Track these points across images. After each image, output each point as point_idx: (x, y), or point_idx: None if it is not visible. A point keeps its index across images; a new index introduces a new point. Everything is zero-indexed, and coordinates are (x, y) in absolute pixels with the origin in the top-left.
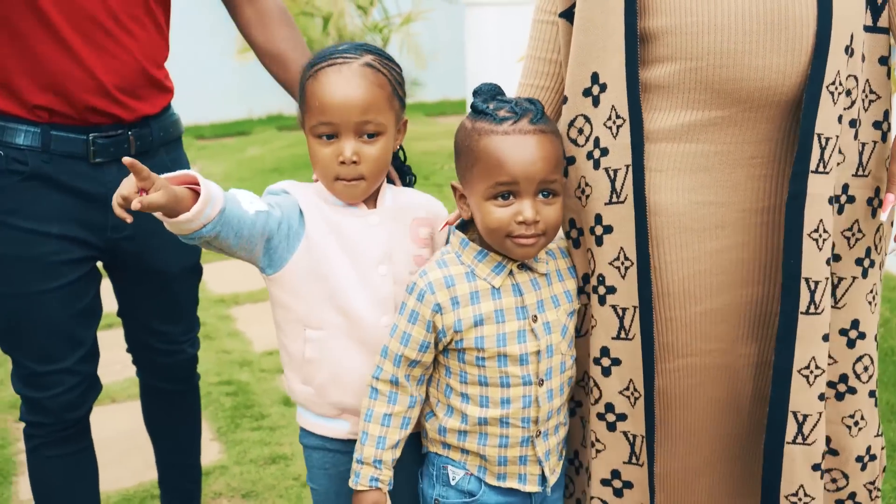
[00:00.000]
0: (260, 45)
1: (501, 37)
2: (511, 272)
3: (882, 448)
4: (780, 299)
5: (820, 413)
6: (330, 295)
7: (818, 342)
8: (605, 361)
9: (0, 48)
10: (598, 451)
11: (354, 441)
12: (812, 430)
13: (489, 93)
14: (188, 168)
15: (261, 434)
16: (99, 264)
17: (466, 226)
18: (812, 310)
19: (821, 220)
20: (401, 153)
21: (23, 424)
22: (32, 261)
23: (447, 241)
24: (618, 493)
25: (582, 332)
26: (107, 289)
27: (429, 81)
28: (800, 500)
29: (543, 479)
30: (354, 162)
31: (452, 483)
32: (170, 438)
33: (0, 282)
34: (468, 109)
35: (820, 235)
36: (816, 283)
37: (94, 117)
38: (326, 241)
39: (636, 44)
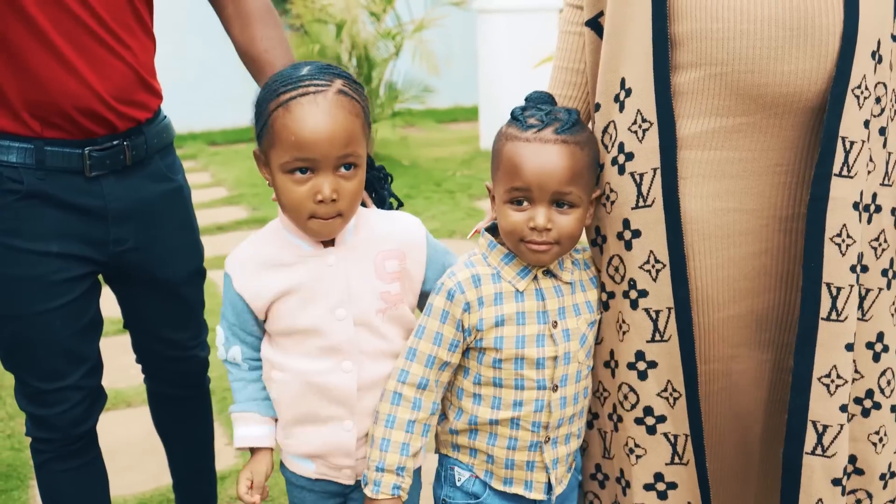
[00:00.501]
0: (239, 45)
1: (513, 43)
2: (536, 277)
3: None
4: (801, 304)
5: (841, 425)
6: (286, 346)
7: (840, 351)
8: (641, 365)
9: None
10: (638, 457)
11: (320, 480)
12: (832, 442)
13: (536, 101)
14: (182, 171)
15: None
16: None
17: (497, 229)
18: (833, 316)
19: (844, 225)
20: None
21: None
22: (33, 281)
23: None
24: (662, 495)
25: (598, 340)
26: (110, 296)
27: (441, 88)
28: None
29: (549, 488)
30: (333, 200)
31: (458, 484)
32: (183, 443)
33: (3, 301)
34: (480, 116)
35: (843, 241)
36: (839, 289)
37: (90, 126)
38: (279, 299)
39: (666, 48)
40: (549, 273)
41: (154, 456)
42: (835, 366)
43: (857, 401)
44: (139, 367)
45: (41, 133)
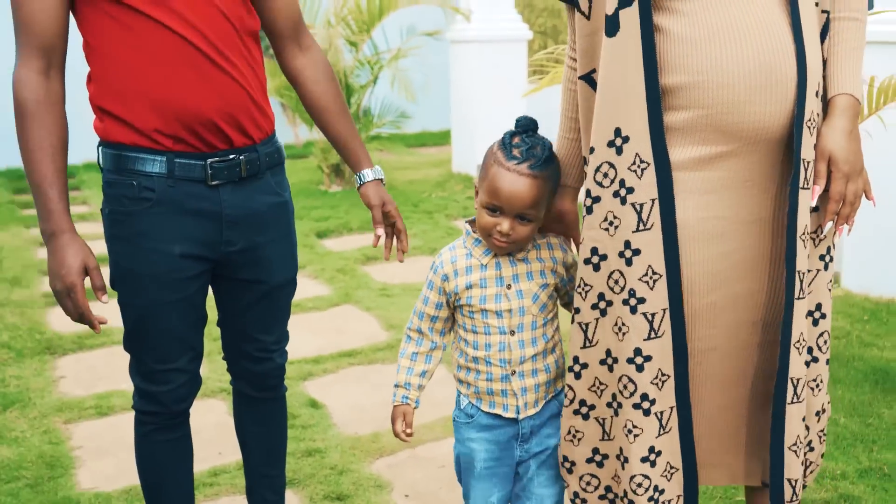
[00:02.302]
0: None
1: (484, 71)
2: (495, 254)
3: (828, 402)
4: (786, 289)
5: (806, 376)
6: None
7: (804, 320)
8: (639, 360)
9: (128, 93)
10: (636, 436)
11: None
12: (802, 390)
13: (524, 126)
14: (289, 190)
15: (294, 432)
16: None
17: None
18: (801, 295)
19: (806, 225)
20: None
21: (72, 424)
22: (157, 277)
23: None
24: (653, 463)
25: (593, 343)
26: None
27: (413, 114)
28: (798, 447)
29: (518, 410)
30: None
31: (462, 407)
32: (256, 447)
33: (130, 293)
34: (453, 140)
35: (808, 237)
36: (804, 274)
37: (212, 139)
38: None
39: (658, 101)
40: (506, 252)
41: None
42: (801, 332)
43: None
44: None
45: (171, 148)
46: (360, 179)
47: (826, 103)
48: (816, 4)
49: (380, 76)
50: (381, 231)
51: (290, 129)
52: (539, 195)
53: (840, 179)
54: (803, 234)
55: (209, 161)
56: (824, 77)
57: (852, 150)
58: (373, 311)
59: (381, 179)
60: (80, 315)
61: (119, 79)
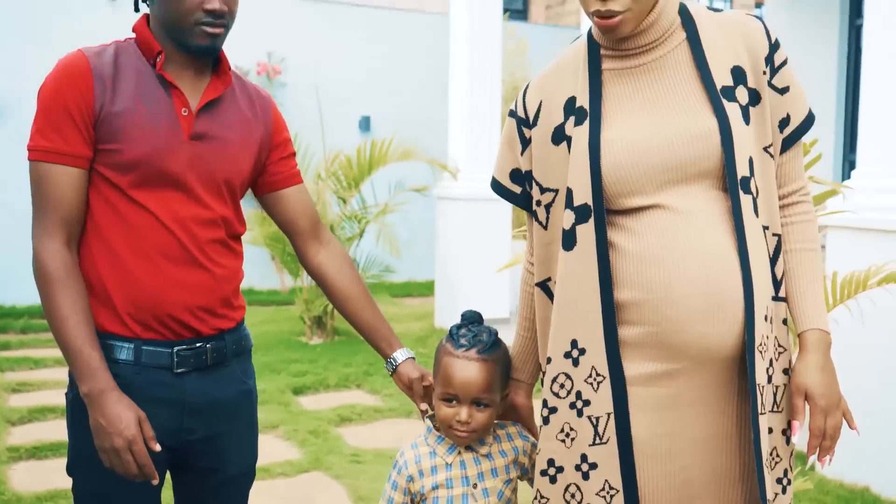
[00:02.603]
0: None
1: (468, 227)
2: (459, 452)
3: None
4: None
5: None
6: None
7: None
8: None
9: (106, 274)
10: None
11: None
12: None
13: (468, 319)
14: (254, 377)
15: None
16: None
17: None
18: None
19: (774, 448)
20: None
21: None
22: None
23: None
24: None
25: None
26: None
27: (398, 264)
28: None
29: None
30: None
31: None
32: None
33: (89, 481)
34: (436, 295)
35: (774, 459)
36: (772, 501)
37: (180, 330)
38: None
39: (613, 316)
40: (469, 448)
41: None
42: None
43: None
44: None
45: (140, 335)
46: (394, 362)
47: (780, 323)
48: (766, 228)
49: (366, 229)
50: (425, 406)
51: (277, 277)
52: (490, 378)
53: (819, 415)
54: (770, 458)
55: (176, 349)
56: (790, 310)
57: (827, 384)
58: (342, 480)
59: (413, 357)
60: (142, 467)
61: (102, 260)
